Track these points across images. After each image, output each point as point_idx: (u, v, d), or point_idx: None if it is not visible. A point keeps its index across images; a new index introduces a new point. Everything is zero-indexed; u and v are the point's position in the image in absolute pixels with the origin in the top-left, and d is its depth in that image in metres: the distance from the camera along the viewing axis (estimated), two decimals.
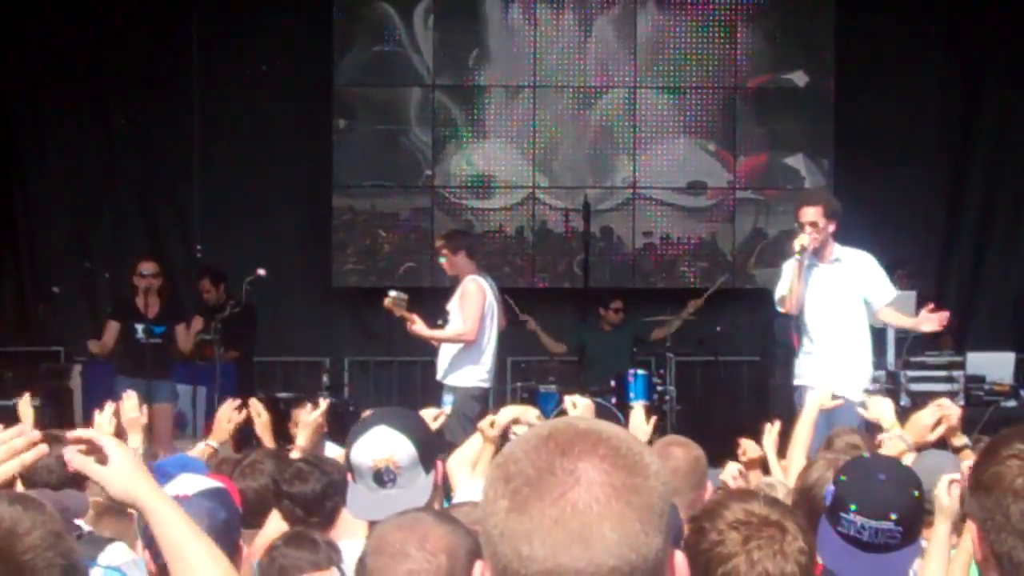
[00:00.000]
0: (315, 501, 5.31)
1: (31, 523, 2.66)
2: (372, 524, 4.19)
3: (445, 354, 11.66)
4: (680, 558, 1.93)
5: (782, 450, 7.19)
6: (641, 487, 1.87)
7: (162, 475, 5.10)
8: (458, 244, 11.90)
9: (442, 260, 11.95)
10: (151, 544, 4.00)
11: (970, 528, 2.62)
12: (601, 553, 1.82)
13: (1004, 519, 2.52)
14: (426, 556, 3.04)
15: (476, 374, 11.57)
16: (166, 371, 12.87)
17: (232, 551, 3.96)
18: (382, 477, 4.26)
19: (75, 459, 3.07)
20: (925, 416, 6.11)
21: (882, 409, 6.71)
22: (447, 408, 10.73)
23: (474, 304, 11.48)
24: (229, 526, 3.97)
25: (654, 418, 7.36)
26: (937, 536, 4.68)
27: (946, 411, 6.14)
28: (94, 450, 3.10)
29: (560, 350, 14.86)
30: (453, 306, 11.67)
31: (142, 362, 12.58)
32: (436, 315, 13.29)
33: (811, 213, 10.17)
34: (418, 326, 11.52)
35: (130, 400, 7.59)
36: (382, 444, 4.28)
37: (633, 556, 1.83)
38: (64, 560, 2.69)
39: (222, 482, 4.43)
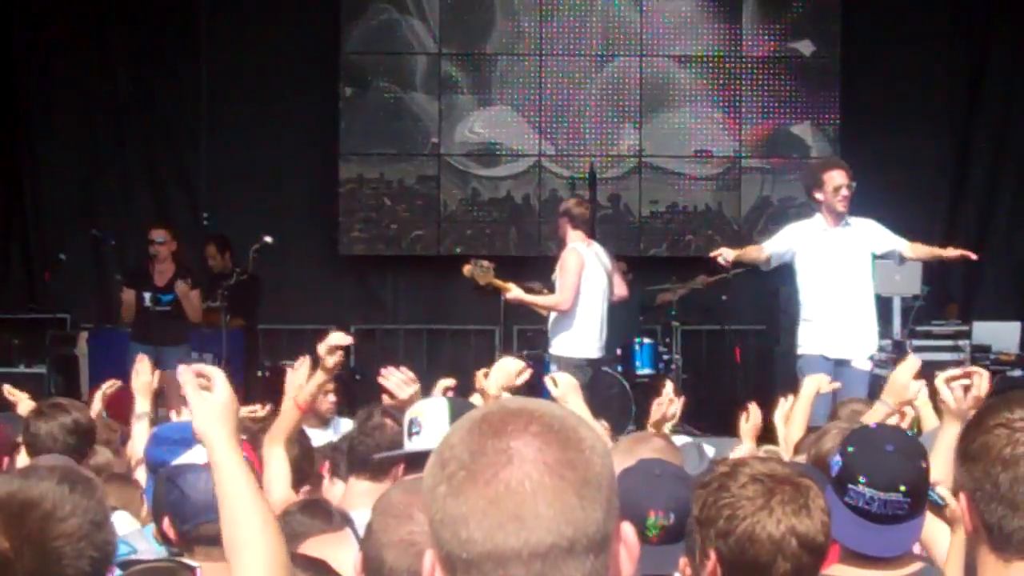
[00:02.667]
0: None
1: (72, 508, 2.64)
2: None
3: (550, 324, 11.60)
4: (628, 529, 1.90)
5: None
6: (576, 461, 1.84)
7: (161, 442, 5.09)
8: (561, 211, 11.84)
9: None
10: (172, 508, 4.02)
11: (960, 499, 2.62)
12: (537, 530, 1.80)
13: (993, 488, 2.52)
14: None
15: (576, 343, 11.40)
16: (178, 338, 12.88)
17: None
18: (411, 427, 4.63)
19: (186, 377, 3.11)
20: (901, 374, 6.11)
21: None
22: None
23: (568, 274, 11.36)
24: None
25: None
26: (947, 437, 4.76)
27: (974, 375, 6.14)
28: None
29: None
30: (557, 274, 11.63)
31: (151, 330, 12.63)
32: (446, 283, 13.33)
33: (844, 176, 10.27)
34: (514, 292, 11.46)
35: (143, 364, 7.57)
36: (424, 402, 4.85)
37: (571, 531, 1.81)
38: (97, 552, 2.67)
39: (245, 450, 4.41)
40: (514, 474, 1.82)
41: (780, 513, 3.30)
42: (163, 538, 4.15)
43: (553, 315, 11.54)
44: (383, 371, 6.92)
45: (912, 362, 6.12)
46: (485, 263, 11.46)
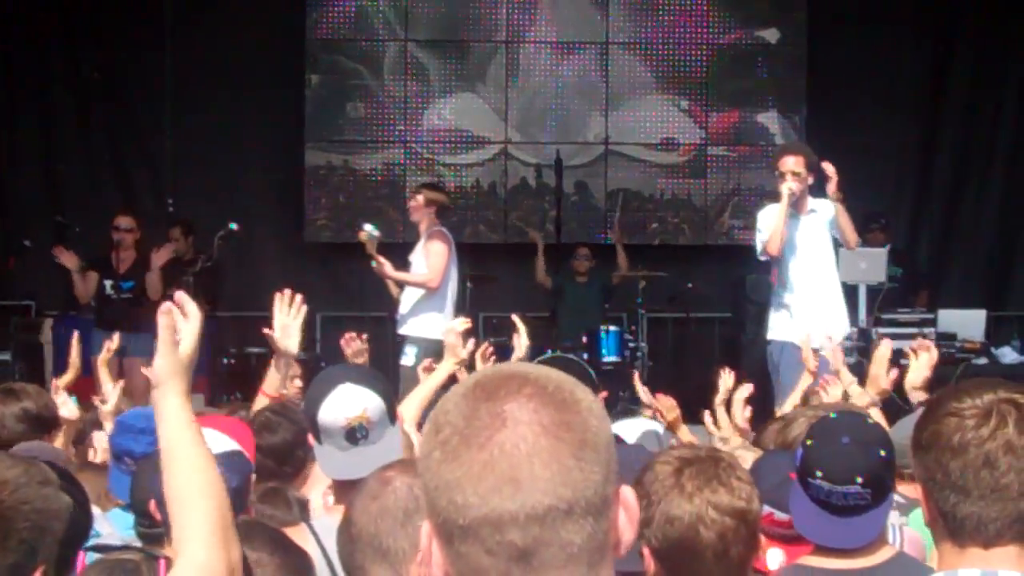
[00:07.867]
0: (285, 451, 5.29)
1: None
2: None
3: (407, 305, 11.69)
4: (628, 492, 1.87)
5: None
6: (573, 423, 1.81)
7: (125, 429, 5.05)
8: (433, 197, 11.91)
9: (413, 203, 11.96)
10: (160, 492, 3.99)
11: (917, 491, 2.65)
12: (533, 492, 1.77)
13: (944, 477, 2.56)
14: None
15: (439, 325, 11.51)
16: (140, 324, 12.85)
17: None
18: (355, 434, 4.18)
19: (164, 320, 3.13)
20: (876, 366, 6.20)
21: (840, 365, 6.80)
22: (408, 360, 10.96)
23: (441, 254, 11.55)
24: (238, 493, 3.90)
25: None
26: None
27: (923, 349, 6.21)
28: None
29: (545, 280, 14.85)
30: (417, 256, 11.70)
31: (114, 317, 12.62)
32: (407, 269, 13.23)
33: (793, 162, 10.27)
34: (386, 267, 11.55)
35: (106, 351, 7.56)
36: (352, 401, 4.21)
37: (568, 493, 1.78)
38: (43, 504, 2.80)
39: (240, 429, 4.30)
40: (508, 437, 1.79)
41: (691, 488, 3.35)
42: (149, 521, 4.08)
43: (413, 296, 11.65)
44: (345, 336, 6.96)
45: (883, 351, 6.18)
46: (376, 232, 11.58)
